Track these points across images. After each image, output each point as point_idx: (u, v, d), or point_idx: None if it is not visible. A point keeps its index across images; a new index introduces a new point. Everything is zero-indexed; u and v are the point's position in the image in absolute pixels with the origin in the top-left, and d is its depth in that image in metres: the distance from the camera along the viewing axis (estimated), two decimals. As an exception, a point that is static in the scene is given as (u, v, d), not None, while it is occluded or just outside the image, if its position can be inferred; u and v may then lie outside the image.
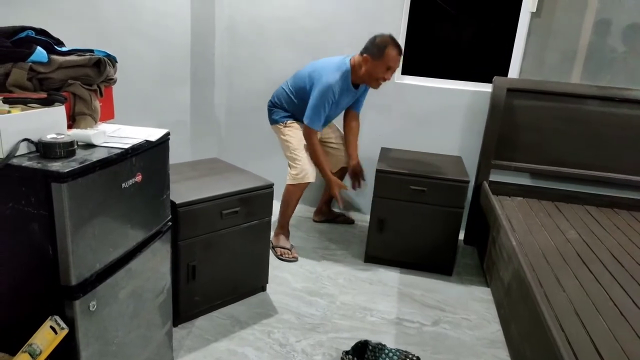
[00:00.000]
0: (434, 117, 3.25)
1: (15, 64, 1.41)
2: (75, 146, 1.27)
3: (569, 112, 2.92)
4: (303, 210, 3.52)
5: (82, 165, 1.20)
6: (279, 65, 3.35)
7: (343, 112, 2.98)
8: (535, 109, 2.95)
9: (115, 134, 1.47)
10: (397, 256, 2.79)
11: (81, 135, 1.35)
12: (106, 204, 1.32)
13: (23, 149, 1.22)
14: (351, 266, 2.79)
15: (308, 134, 2.71)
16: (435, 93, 3.21)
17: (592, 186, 3.02)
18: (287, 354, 2.01)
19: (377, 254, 2.82)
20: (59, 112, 1.35)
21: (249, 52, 3.44)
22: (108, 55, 1.60)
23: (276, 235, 2.89)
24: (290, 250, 2.84)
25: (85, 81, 1.51)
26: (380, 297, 2.49)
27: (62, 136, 1.25)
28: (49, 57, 1.45)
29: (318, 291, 2.51)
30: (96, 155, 1.27)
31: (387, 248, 2.79)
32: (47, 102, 1.35)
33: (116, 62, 1.64)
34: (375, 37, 2.58)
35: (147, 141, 1.46)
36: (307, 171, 2.73)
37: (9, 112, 1.23)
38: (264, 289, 2.47)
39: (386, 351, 1.95)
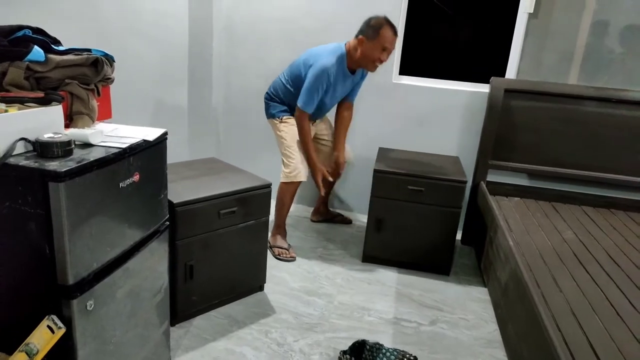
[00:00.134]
0: (431, 117, 3.25)
1: (12, 63, 1.41)
2: (73, 145, 1.27)
3: (567, 113, 2.93)
4: (301, 210, 3.52)
5: (79, 164, 1.20)
6: (277, 65, 3.35)
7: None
8: (533, 109, 2.96)
9: (113, 134, 1.47)
10: (394, 256, 2.80)
11: (78, 135, 1.35)
12: (104, 203, 1.31)
13: (20, 148, 1.22)
14: (349, 266, 2.80)
15: (300, 117, 2.66)
16: (433, 93, 3.22)
17: (589, 187, 3.03)
18: (285, 353, 2.01)
19: (374, 253, 2.83)
20: (56, 112, 1.35)
21: (246, 51, 3.44)
22: (105, 55, 1.59)
23: (273, 235, 2.89)
24: (287, 250, 2.84)
25: (83, 80, 1.51)
26: (377, 297, 2.49)
27: (60, 135, 1.25)
28: (46, 56, 1.45)
29: (316, 291, 2.51)
30: (94, 155, 1.27)
31: (385, 248, 2.79)
32: (44, 102, 1.35)
33: (114, 61, 1.64)
34: (370, 19, 2.56)
35: (144, 141, 1.46)
36: (299, 170, 2.72)
37: (6, 111, 1.22)
38: (261, 288, 2.47)
39: (383, 351, 1.95)
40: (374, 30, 2.51)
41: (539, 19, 3.00)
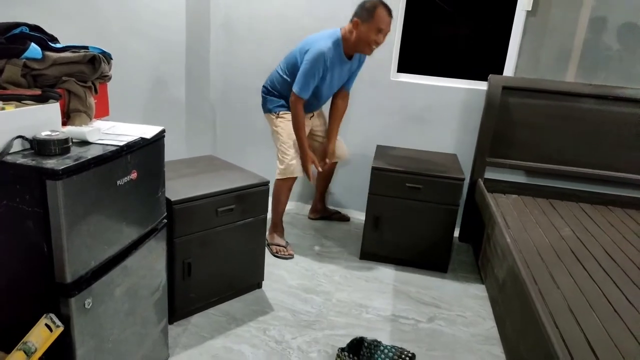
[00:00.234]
0: (429, 114, 3.25)
1: (9, 60, 1.40)
2: (70, 143, 1.27)
3: (564, 110, 2.93)
4: (298, 208, 3.52)
5: (77, 162, 1.19)
6: (274, 63, 3.33)
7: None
8: (531, 107, 2.96)
9: (110, 131, 1.47)
10: (392, 253, 2.80)
11: (76, 133, 1.34)
12: (101, 201, 1.31)
13: (17, 146, 1.22)
14: (347, 263, 2.80)
15: (294, 102, 2.61)
16: (431, 91, 3.21)
17: (586, 184, 3.04)
18: (283, 350, 2.02)
19: (372, 251, 2.83)
20: (53, 109, 1.35)
21: (244, 49, 3.43)
22: (103, 52, 1.59)
23: (271, 232, 2.89)
24: (285, 248, 2.84)
25: (80, 78, 1.50)
26: (375, 294, 2.49)
27: (57, 133, 1.25)
28: (43, 54, 1.44)
29: (314, 288, 2.51)
30: (91, 153, 1.27)
31: (383, 245, 2.79)
32: (41, 99, 1.34)
33: (111, 58, 1.64)
34: (364, 2, 2.52)
35: (142, 138, 1.46)
36: (293, 166, 2.72)
37: (2, 108, 1.22)
38: (259, 286, 2.47)
39: (382, 348, 1.95)
40: (369, 12, 2.48)
41: (537, 16, 3.00)
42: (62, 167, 1.15)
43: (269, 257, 2.71)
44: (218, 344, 2.03)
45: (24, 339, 1.17)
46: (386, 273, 2.72)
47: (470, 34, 3.44)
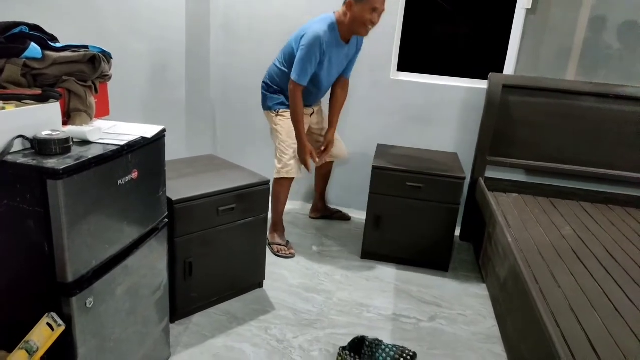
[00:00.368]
0: (430, 113, 3.25)
1: (9, 59, 1.40)
2: (71, 143, 1.27)
3: (565, 109, 2.93)
4: (299, 207, 3.52)
5: (77, 162, 1.19)
6: (275, 62, 3.35)
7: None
8: (531, 105, 2.96)
9: (111, 131, 1.47)
10: (393, 252, 2.80)
11: (76, 132, 1.34)
12: (102, 200, 1.31)
13: (18, 145, 1.22)
14: (348, 262, 2.80)
15: (293, 90, 2.57)
16: (431, 89, 3.21)
17: (587, 182, 3.04)
18: (285, 350, 2.02)
19: (373, 250, 2.83)
20: (53, 109, 1.35)
21: (244, 49, 3.43)
22: (103, 52, 1.59)
23: (271, 232, 2.89)
24: (286, 247, 2.84)
25: (80, 77, 1.50)
26: (377, 293, 2.49)
27: (57, 133, 1.25)
28: (43, 53, 1.44)
29: (315, 287, 2.51)
30: (92, 152, 1.27)
31: (384, 244, 2.79)
32: (41, 99, 1.34)
33: (111, 58, 1.64)
34: None
35: (142, 138, 1.46)
36: (290, 166, 2.71)
37: (3, 108, 1.22)
38: (260, 285, 2.47)
39: (383, 347, 1.96)
40: None
41: (537, 14, 3.00)
42: (63, 167, 1.15)
43: (270, 257, 2.71)
44: (219, 343, 2.03)
45: (26, 338, 1.17)
46: (387, 272, 2.72)
47: (470, 32, 3.44)
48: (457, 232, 3.20)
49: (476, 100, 3.13)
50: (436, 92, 3.21)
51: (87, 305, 1.29)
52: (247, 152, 3.61)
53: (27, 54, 1.41)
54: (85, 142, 1.34)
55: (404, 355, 1.95)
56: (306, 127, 2.82)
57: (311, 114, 2.87)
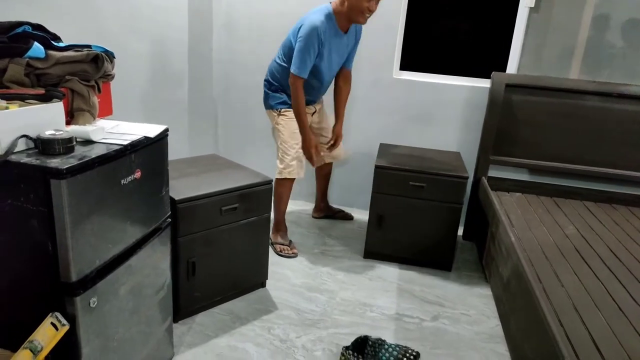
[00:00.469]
0: (432, 112, 3.24)
1: (12, 59, 1.41)
2: (74, 142, 1.27)
3: (568, 108, 2.92)
4: (302, 206, 3.52)
5: (81, 161, 1.19)
6: (277, 61, 3.34)
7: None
8: (534, 104, 2.95)
9: (114, 130, 1.47)
10: (396, 252, 2.80)
11: (80, 132, 1.34)
12: (105, 200, 1.31)
13: (21, 145, 1.22)
14: (351, 262, 2.80)
15: (294, 83, 2.54)
16: (433, 89, 3.21)
17: (590, 182, 3.03)
18: (288, 349, 2.02)
19: (376, 249, 2.83)
20: (57, 108, 1.35)
21: (247, 48, 3.43)
22: (106, 51, 1.59)
23: (274, 231, 2.89)
24: (289, 246, 2.84)
25: (83, 77, 1.50)
26: (379, 293, 2.49)
27: (61, 132, 1.25)
28: (46, 53, 1.44)
29: (318, 287, 2.51)
30: (95, 152, 1.27)
31: (387, 244, 2.79)
32: (45, 98, 1.34)
33: (114, 57, 1.64)
34: None
35: (145, 137, 1.46)
36: (292, 167, 2.70)
37: (6, 108, 1.22)
38: (263, 285, 2.47)
39: (386, 346, 1.95)
40: None
41: (540, 13, 2.99)
42: (66, 167, 1.15)
43: (272, 256, 2.71)
44: (223, 342, 2.03)
45: (30, 338, 1.18)
46: (390, 272, 2.72)
47: (473, 31, 3.43)
48: (460, 232, 3.19)
49: (479, 99, 3.12)
50: (439, 91, 3.20)
51: (91, 305, 1.29)
52: (249, 152, 3.61)
53: (30, 53, 1.41)
54: (88, 142, 1.34)
55: (407, 354, 1.95)
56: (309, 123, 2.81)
57: (312, 113, 2.85)
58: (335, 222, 3.33)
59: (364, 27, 2.96)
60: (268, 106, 2.80)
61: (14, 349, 1.19)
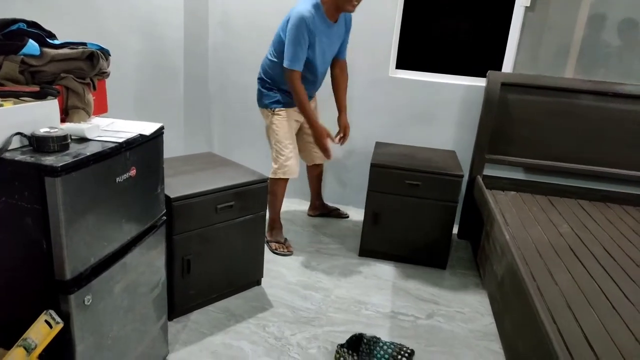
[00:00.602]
0: (428, 111, 3.25)
1: (7, 56, 1.40)
2: (69, 140, 1.27)
3: (563, 107, 2.93)
4: (297, 204, 3.52)
5: (75, 159, 1.19)
6: (273, 59, 3.34)
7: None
8: (530, 103, 2.96)
9: (109, 128, 1.47)
10: (391, 250, 2.80)
11: (75, 129, 1.34)
12: (100, 198, 1.31)
13: (16, 142, 1.22)
14: (346, 260, 2.80)
15: (290, 78, 2.51)
16: (429, 87, 3.21)
17: (585, 180, 3.04)
18: (282, 347, 2.02)
19: (371, 247, 2.83)
20: (51, 106, 1.34)
21: (243, 45, 3.43)
22: (101, 49, 1.59)
23: (269, 230, 2.89)
24: (284, 244, 2.84)
25: (78, 74, 1.50)
26: (374, 291, 2.50)
27: (56, 130, 1.24)
28: (41, 50, 1.44)
29: (313, 285, 2.51)
30: (90, 149, 1.27)
31: (382, 242, 2.80)
32: (39, 96, 1.34)
33: (109, 55, 1.63)
34: None
35: (141, 135, 1.46)
36: (287, 167, 2.69)
37: (1, 105, 1.22)
38: (259, 282, 2.48)
39: (381, 344, 1.96)
40: None
41: (536, 12, 3.00)
42: (61, 164, 1.15)
43: (268, 254, 2.71)
44: (217, 340, 2.03)
45: (24, 336, 1.17)
46: (385, 270, 2.73)
47: (468, 30, 3.44)
48: (455, 230, 3.20)
49: (475, 98, 3.13)
50: (435, 90, 3.20)
51: (85, 303, 1.29)
52: (245, 150, 3.61)
53: (25, 50, 1.40)
54: (83, 140, 1.34)
55: (402, 352, 1.96)
56: (297, 125, 2.80)
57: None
58: (330, 220, 3.34)
59: (360, 26, 2.97)
60: (262, 104, 2.78)
61: (8, 346, 1.19)
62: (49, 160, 1.16)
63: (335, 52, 2.75)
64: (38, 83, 1.44)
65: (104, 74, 1.61)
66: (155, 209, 1.64)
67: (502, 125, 3.00)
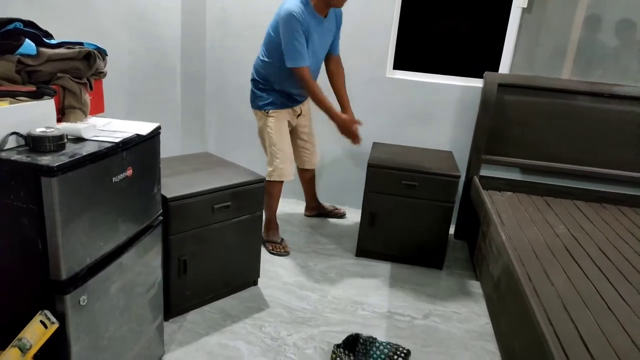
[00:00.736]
0: (425, 112, 3.25)
1: (3, 56, 1.39)
2: (65, 140, 1.26)
3: (560, 108, 2.94)
4: (294, 205, 3.52)
5: (72, 159, 1.19)
6: (270, 59, 3.33)
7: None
8: (526, 104, 2.97)
9: (106, 128, 1.46)
10: (388, 250, 2.81)
11: (71, 129, 1.34)
12: (96, 198, 1.31)
13: (12, 142, 1.21)
14: (343, 260, 2.80)
15: (300, 76, 2.49)
16: (426, 88, 3.22)
17: (581, 181, 3.05)
18: (279, 347, 2.02)
19: (368, 248, 2.83)
20: (48, 106, 1.34)
21: (241, 45, 3.42)
22: (98, 48, 1.58)
23: (266, 230, 2.88)
24: (280, 245, 2.84)
25: (75, 74, 1.50)
26: (371, 291, 2.50)
27: (52, 130, 1.24)
28: (37, 50, 1.43)
29: (309, 285, 2.51)
30: (86, 149, 1.27)
31: (379, 242, 2.80)
32: (36, 95, 1.33)
33: (106, 55, 1.63)
34: None
35: (137, 135, 1.45)
36: (281, 170, 2.69)
37: (-3, 105, 1.21)
38: (255, 283, 2.47)
39: (377, 344, 1.96)
40: None
41: (533, 13, 3.01)
42: (57, 164, 1.14)
43: (264, 254, 2.71)
44: (214, 340, 2.03)
45: (19, 336, 1.17)
46: (382, 270, 2.73)
47: (466, 31, 3.44)
48: (452, 230, 3.21)
49: (471, 98, 3.13)
50: (432, 91, 3.21)
51: (81, 303, 1.29)
52: (242, 150, 3.60)
53: (21, 50, 1.40)
54: (79, 139, 1.34)
55: (398, 352, 1.96)
56: (290, 128, 2.79)
57: (298, 115, 2.84)
58: (327, 221, 3.34)
59: (358, 27, 2.98)
60: (255, 106, 2.76)
61: (3, 347, 1.18)
62: (45, 160, 1.15)
63: (327, 49, 2.73)
64: (34, 83, 1.43)
65: (100, 74, 1.61)
66: (151, 209, 1.63)
67: (498, 126, 3.01)
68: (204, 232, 2.12)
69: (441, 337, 2.17)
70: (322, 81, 2.82)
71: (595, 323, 1.64)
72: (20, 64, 1.41)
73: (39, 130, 1.22)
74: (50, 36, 1.58)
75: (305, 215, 3.39)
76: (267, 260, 2.69)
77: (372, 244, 2.82)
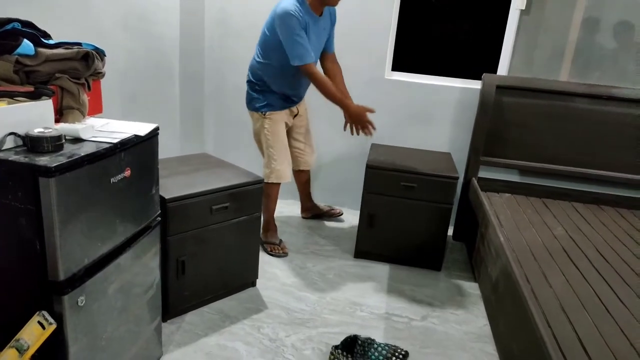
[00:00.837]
0: (423, 113, 3.26)
1: (1, 56, 1.39)
2: (63, 140, 1.26)
3: (558, 110, 2.94)
4: (293, 206, 3.51)
5: (70, 159, 1.19)
6: (269, 60, 3.33)
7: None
8: (524, 106, 2.97)
9: (104, 129, 1.46)
10: (386, 251, 2.81)
11: (69, 130, 1.34)
12: (95, 198, 1.31)
13: (10, 143, 1.21)
14: (341, 261, 2.80)
15: (307, 73, 2.47)
16: (425, 89, 3.22)
17: (579, 183, 3.06)
18: (277, 348, 2.02)
19: (367, 249, 2.83)
20: (46, 106, 1.34)
21: (240, 46, 3.42)
22: (96, 49, 1.58)
23: (264, 231, 2.88)
24: (279, 246, 2.84)
25: (73, 75, 1.50)
26: (369, 292, 2.50)
27: (50, 130, 1.24)
28: (35, 50, 1.43)
29: (308, 286, 2.51)
30: (84, 150, 1.27)
31: (377, 243, 2.80)
32: (34, 96, 1.33)
33: (104, 55, 1.63)
34: None
35: (136, 136, 1.45)
36: (278, 172, 2.69)
37: (-5, 105, 1.21)
38: (253, 284, 2.47)
39: (375, 346, 1.96)
40: None
41: (531, 15, 3.01)
42: (55, 165, 1.14)
43: (263, 256, 2.71)
44: (212, 341, 2.03)
45: (17, 337, 1.17)
46: (380, 271, 2.73)
47: (464, 32, 3.45)
48: (450, 232, 3.21)
49: (470, 100, 3.14)
50: (430, 92, 3.21)
51: (79, 304, 1.29)
52: (241, 151, 3.60)
53: (19, 50, 1.40)
54: (77, 140, 1.34)
55: (396, 354, 1.96)
56: (287, 129, 2.78)
57: (294, 116, 2.83)
58: (325, 222, 3.34)
59: (357, 28, 2.98)
60: (252, 107, 2.74)
61: (0, 348, 1.18)
62: (43, 160, 1.15)
63: (322, 47, 2.72)
64: (32, 83, 1.43)
65: (99, 74, 1.61)
66: (149, 209, 1.63)
67: (497, 128, 3.01)
68: (203, 233, 2.11)
69: (439, 338, 2.17)
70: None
71: (594, 325, 1.65)
72: (18, 64, 1.41)
73: (37, 131, 1.22)
74: (48, 36, 1.57)
75: (302, 217, 3.38)
76: (266, 262, 2.69)
77: (371, 245, 2.82)
